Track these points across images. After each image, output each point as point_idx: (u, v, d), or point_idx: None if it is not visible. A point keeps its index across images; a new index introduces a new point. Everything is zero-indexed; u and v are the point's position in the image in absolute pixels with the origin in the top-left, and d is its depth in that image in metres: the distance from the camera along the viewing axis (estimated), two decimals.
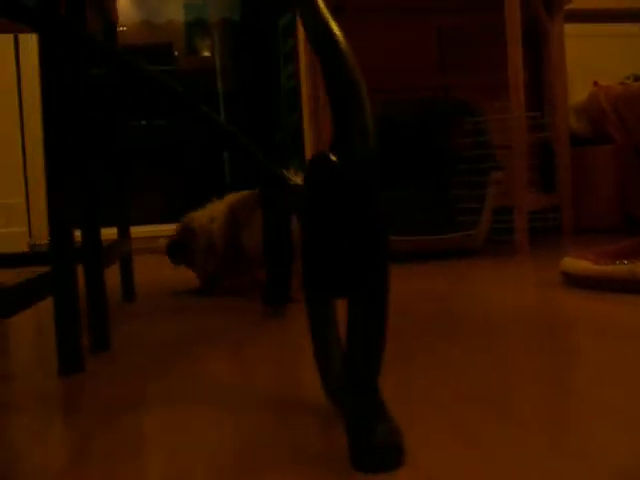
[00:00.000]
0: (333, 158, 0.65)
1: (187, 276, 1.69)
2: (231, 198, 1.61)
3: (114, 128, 1.51)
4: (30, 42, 2.95)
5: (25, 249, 2.88)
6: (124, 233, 1.55)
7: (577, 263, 1.39)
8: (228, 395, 0.78)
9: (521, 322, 1.11)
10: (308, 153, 3.03)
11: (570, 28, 3.07)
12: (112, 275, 1.33)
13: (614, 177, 2.78)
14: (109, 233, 1.26)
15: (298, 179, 0.81)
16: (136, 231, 1.71)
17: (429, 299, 1.39)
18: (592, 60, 3.44)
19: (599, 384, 0.73)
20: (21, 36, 2.92)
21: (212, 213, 1.61)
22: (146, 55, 5.06)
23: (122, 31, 4.60)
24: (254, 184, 1.42)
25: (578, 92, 3.07)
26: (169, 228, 3.10)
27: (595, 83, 3.05)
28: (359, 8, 2.64)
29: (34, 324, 1.36)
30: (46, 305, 0.90)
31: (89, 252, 1.04)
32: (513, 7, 2.04)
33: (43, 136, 0.93)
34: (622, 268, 1.29)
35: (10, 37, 2.94)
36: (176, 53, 5.25)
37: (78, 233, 0.98)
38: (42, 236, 3.03)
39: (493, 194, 2.00)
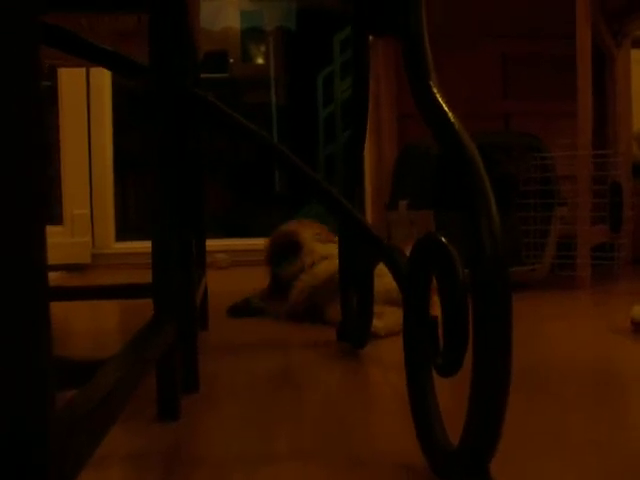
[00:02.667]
0: (444, 241, 0.68)
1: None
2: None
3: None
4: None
5: (88, 259, 2.97)
6: (200, 261, 1.59)
7: None
8: (327, 450, 0.81)
9: (579, 376, 1.12)
10: (368, 176, 3.05)
11: (637, 53, 3.05)
12: None
13: None
14: None
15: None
16: None
17: None
18: None
19: None
20: None
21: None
22: (202, 62, 5.12)
23: None
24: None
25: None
26: (222, 243, 3.19)
27: None
28: (428, 31, 2.66)
29: None
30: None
31: (184, 288, 1.08)
32: (585, 37, 2.03)
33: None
34: None
35: None
36: (231, 60, 5.32)
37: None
38: (104, 245, 3.12)
39: (557, 229, 2.02)
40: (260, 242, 3.45)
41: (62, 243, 2.86)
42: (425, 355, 0.71)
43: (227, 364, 1.28)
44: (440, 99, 0.69)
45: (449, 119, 0.66)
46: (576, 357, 1.27)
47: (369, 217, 3.13)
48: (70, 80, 3.02)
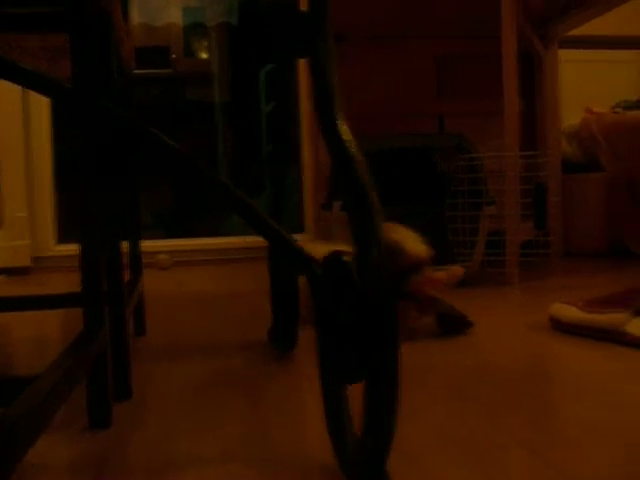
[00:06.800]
0: (347, 259, 0.73)
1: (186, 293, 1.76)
2: None
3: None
4: None
5: (28, 262, 2.95)
6: (136, 264, 1.61)
7: (565, 309, 1.47)
8: (252, 452, 0.85)
9: (494, 376, 1.19)
10: (307, 177, 3.10)
11: (565, 53, 3.15)
12: None
13: (603, 204, 2.88)
14: None
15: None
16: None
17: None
18: (586, 84, 3.54)
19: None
20: None
21: None
22: (144, 58, 5.12)
23: None
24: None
25: (571, 117, 3.16)
26: (164, 244, 3.21)
27: (588, 109, 3.14)
28: (359, 37, 2.72)
29: None
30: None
31: (114, 296, 1.11)
32: (509, 38, 2.10)
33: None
34: (607, 318, 1.37)
35: None
36: (174, 56, 5.31)
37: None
38: (45, 248, 3.11)
39: (486, 228, 2.10)
40: (202, 242, 3.49)
41: (1, 247, 2.84)
42: (336, 360, 0.76)
43: (161, 369, 1.31)
44: (342, 129, 0.73)
45: (348, 151, 0.71)
46: (493, 355, 1.34)
47: (309, 217, 3.19)
48: (4, 83, 2.99)
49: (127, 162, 1.44)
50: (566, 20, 2.62)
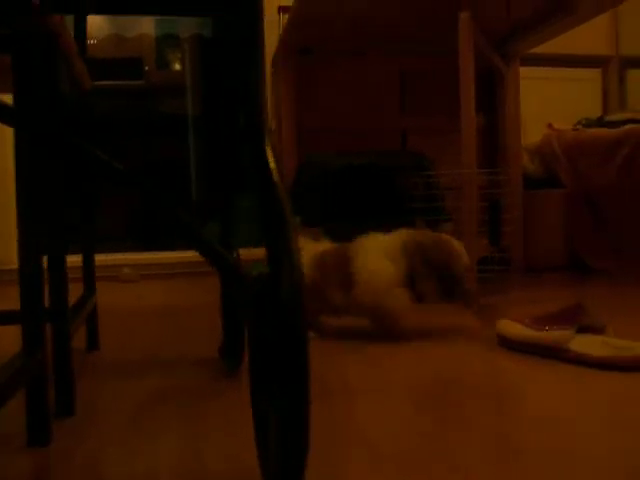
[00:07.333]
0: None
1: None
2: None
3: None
4: None
5: None
6: (90, 279, 1.61)
7: (511, 326, 1.49)
8: (186, 467, 0.87)
9: (436, 392, 1.21)
10: None
11: (530, 71, 3.21)
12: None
13: (564, 220, 2.92)
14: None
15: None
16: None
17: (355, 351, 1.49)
18: (550, 101, 3.59)
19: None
20: None
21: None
22: (116, 69, 5.13)
23: (92, 44, 4.66)
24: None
25: (535, 133, 3.21)
26: (129, 257, 3.19)
27: (549, 125, 3.20)
28: (326, 51, 2.75)
29: None
30: None
31: (57, 313, 1.11)
32: (467, 57, 2.12)
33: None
34: (550, 335, 1.39)
35: None
36: (146, 68, 5.30)
37: None
38: (8, 261, 3.09)
39: None
40: (168, 255, 3.49)
41: None
42: (265, 382, 0.78)
43: (109, 385, 1.31)
44: (271, 161, 0.75)
45: (272, 177, 0.73)
46: (438, 371, 1.36)
47: None
48: None
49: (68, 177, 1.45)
50: (526, 39, 2.67)
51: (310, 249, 1.73)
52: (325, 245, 1.75)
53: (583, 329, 1.41)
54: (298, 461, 0.64)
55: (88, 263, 1.61)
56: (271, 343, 0.68)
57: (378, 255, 1.65)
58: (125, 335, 1.82)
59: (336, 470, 0.84)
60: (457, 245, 1.70)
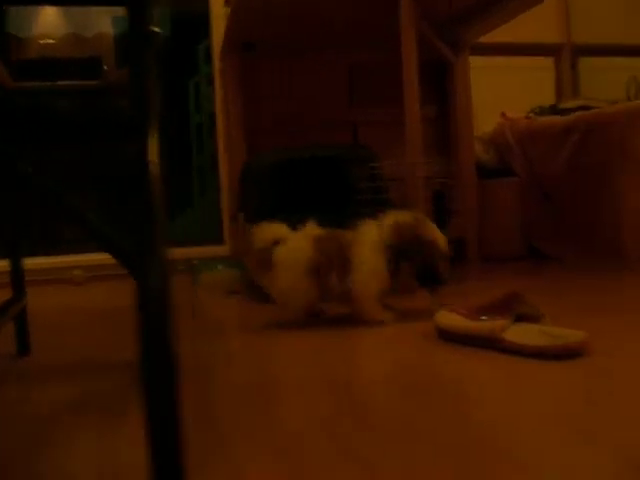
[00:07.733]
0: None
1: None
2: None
3: None
4: None
5: None
6: (18, 284, 1.57)
7: (448, 317, 1.47)
8: None
9: (368, 386, 1.18)
10: (224, 189, 3.09)
11: (480, 60, 3.20)
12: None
13: (518, 208, 2.91)
14: None
15: None
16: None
17: (302, 352, 1.46)
18: (504, 90, 3.59)
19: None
20: None
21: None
22: (74, 69, 5.04)
23: (50, 44, 4.58)
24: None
25: (490, 123, 3.20)
26: (79, 259, 3.14)
27: (502, 114, 3.19)
28: (269, 46, 2.71)
29: None
30: None
31: None
32: (409, 46, 2.11)
33: None
34: (484, 325, 1.37)
35: None
36: (106, 67, 5.23)
37: None
38: None
39: None
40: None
41: None
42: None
43: (32, 391, 1.27)
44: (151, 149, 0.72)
45: (148, 173, 0.70)
46: (372, 365, 1.33)
47: (226, 229, 3.16)
48: None
49: None
50: (472, 25, 2.65)
51: (307, 232, 1.76)
52: (317, 230, 1.76)
53: (520, 318, 1.39)
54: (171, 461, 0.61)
55: (16, 267, 1.56)
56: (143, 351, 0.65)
57: (373, 244, 1.70)
58: (61, 339, 1.78)
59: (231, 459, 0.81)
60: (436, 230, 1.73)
